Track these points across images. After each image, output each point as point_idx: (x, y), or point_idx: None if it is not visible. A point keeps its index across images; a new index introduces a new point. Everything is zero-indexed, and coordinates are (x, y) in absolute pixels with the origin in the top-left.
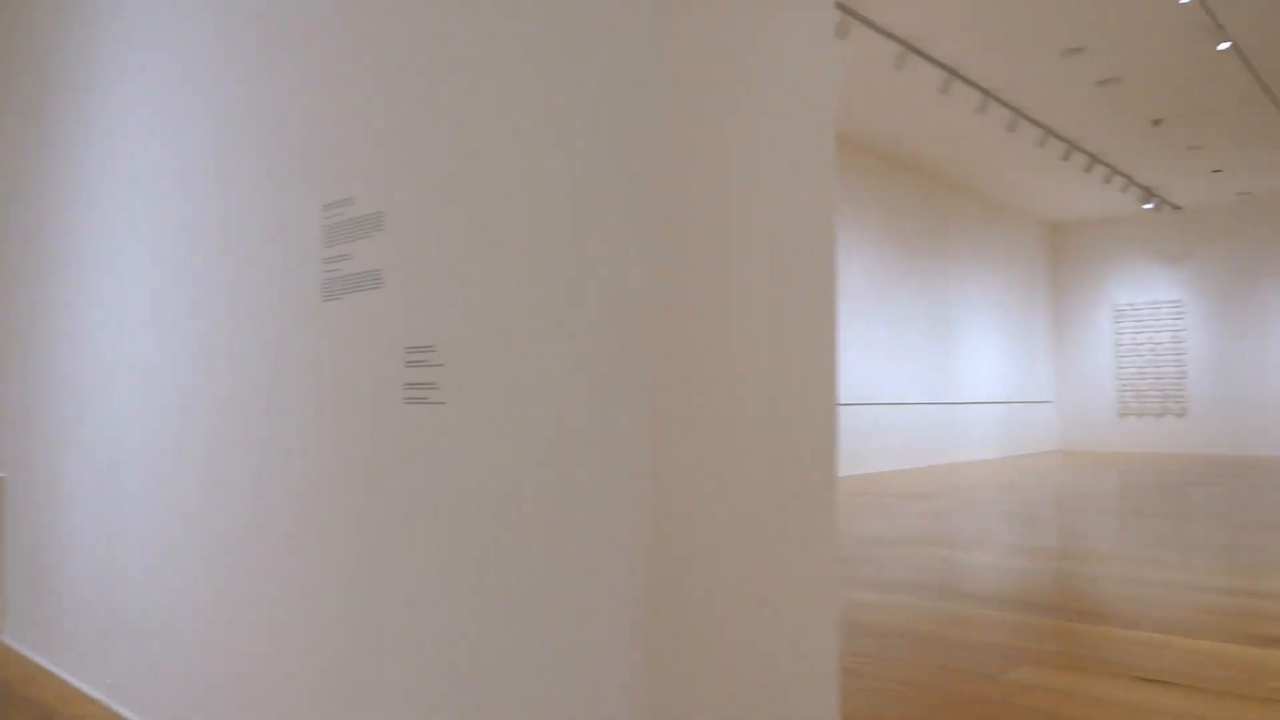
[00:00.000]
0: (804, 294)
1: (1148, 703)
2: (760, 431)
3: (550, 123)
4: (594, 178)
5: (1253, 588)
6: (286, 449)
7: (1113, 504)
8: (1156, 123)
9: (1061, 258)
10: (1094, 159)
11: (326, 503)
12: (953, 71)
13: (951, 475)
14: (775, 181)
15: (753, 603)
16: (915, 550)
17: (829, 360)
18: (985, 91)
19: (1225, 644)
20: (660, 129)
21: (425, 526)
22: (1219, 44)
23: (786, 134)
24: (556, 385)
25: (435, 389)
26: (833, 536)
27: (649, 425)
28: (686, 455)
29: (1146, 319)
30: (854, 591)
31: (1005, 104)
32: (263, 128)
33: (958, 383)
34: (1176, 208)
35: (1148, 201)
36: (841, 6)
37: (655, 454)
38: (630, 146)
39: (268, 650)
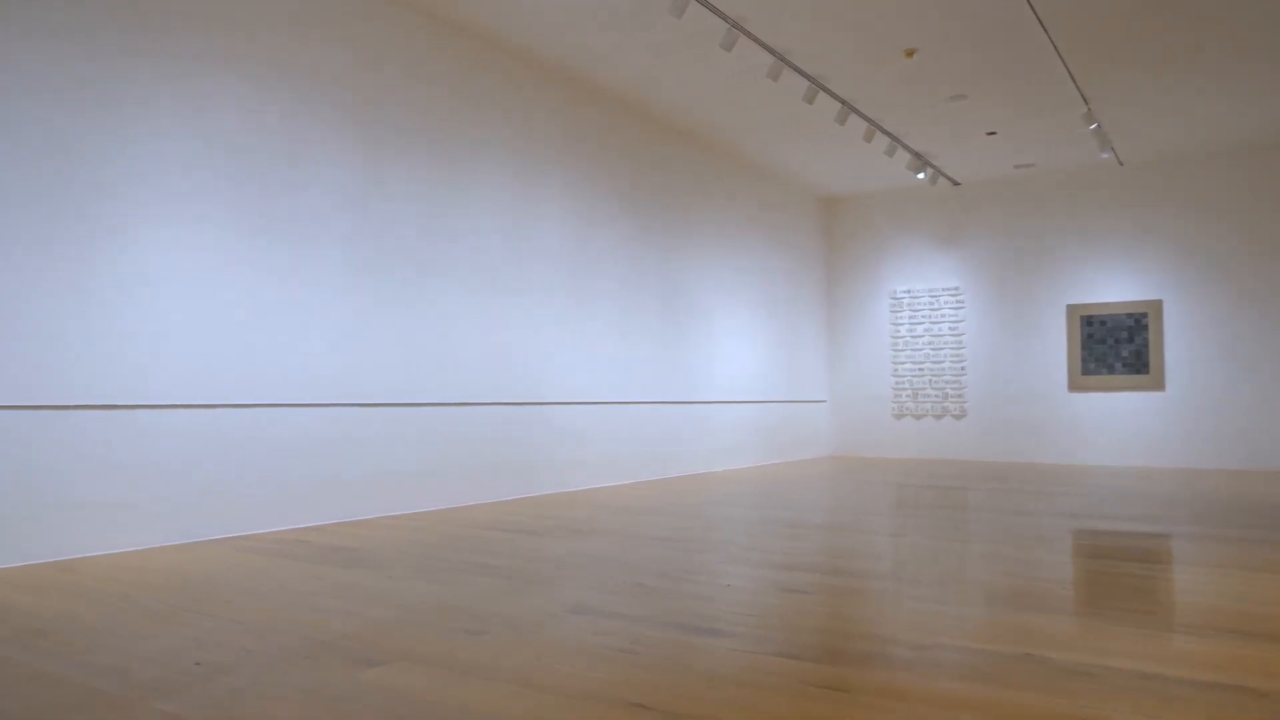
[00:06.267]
0: None
1: None
2: None
3: None
4: None
5: None
6: None
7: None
8: (910, 53)
9: (835, 236)
10: (848, 106)
11: None
12: None
13: (663, 494)
14: None
15: None
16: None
17: None
18: (720, 13)
19: None
20: None
21: None
22: None
23: None
24: None
25: None
26: None
27: None
28: None
29: (924, 308)
30: None
31: (722, 15)
32: None
33: (708, 379)
34: (956, 183)
35: (920, 170)
36: None
37: None
38: None
39: None
